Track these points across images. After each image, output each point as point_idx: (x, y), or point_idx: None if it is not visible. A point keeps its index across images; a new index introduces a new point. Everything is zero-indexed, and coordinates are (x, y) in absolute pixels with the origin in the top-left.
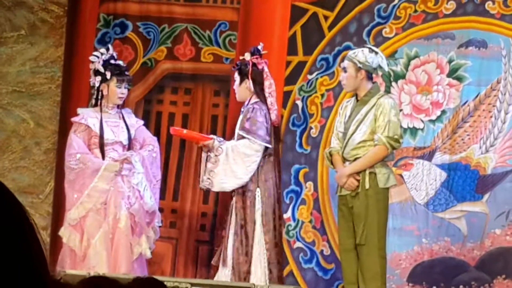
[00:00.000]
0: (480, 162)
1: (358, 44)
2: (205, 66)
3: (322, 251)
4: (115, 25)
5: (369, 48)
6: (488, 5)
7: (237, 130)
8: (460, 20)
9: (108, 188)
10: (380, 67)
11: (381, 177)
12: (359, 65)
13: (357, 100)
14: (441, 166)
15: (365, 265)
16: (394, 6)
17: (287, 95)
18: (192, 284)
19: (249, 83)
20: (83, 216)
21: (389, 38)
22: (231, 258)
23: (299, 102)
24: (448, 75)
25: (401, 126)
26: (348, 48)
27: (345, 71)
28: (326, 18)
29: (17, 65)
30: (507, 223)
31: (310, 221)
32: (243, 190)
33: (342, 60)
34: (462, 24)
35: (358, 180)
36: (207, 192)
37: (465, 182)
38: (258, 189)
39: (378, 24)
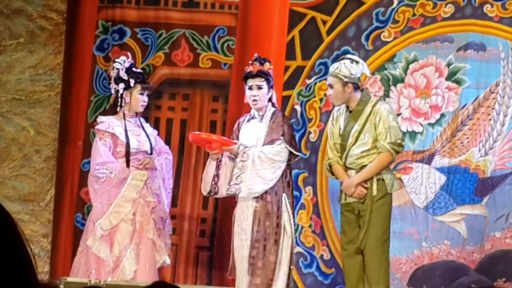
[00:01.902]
0: (479, 165)
1: (357, 48)
2: (203, 71)
3: (322, 255)
4: (114, 31)
5: (350, 59)
6: (487, 8)
7: (269, 135)
8: (459, 24)
9: (137, 197)
10: (363, 73)
11: (388, 182)
12: (345, 79)
13: (350, 111)
14: (440, 170)
15: (369, 269)
16: (392, 10)
17: (285, 100)
18: None
19: (272, 92)
20: (114, 226)
21: (387, 42)
22: (259, 266)
23: (297, 107)
24: (447, 79)
25: (400, 129)
26: (346, 52)
27: (331, 87)
28: (324, 22)
29: (16, 73)
30: (507, 225)
31: (310, 226)
32: (268, 195)
33: None
34: (460, 28)
35: (366, 188)
36: (206, 197)
37: (464, 185)
38: (284, 194)
39: (377, 28)
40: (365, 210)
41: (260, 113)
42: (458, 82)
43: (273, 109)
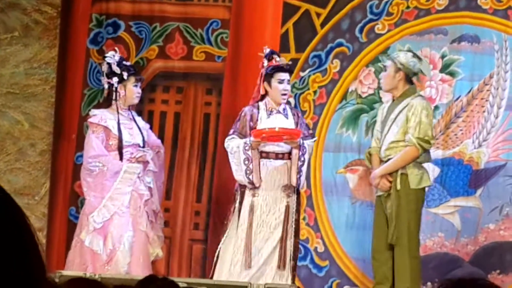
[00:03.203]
0: (473, 157)
1: (351, 40)
2: (197, 64)
3: (316, 248)
4: (108, 24)
5: (413, 53)
6: (481, 0)
7: (302, 131)
8: (453, 16)
9: (130, 190)
10: (421, 72)
11: (413, 178)
12: (399, 65)
13: (393, 101)
14: (434, 162)
15: (397, 265)
16: (386, 2)
17: None
18: (188, 283)
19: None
20: (108, 219)
21: (381, 35)
22: (289, 259)
23: (291, 100)
24: (441, 71)
25: (432, 127)
26: (340, 45)
27: (385, 70)
28: (318, 15)
29: (11, 67)
30: (501, 217)
31: (304, 218)
32: (297, 189)
33: (335, 57)
34: (454, 20)
35: (390, 181)
36: (200, 190)
37: (458, 177)
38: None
39: (371, 20)
40: (391, 206)
41: (281, 108)
42: (452, 74)
43: (286, 105)
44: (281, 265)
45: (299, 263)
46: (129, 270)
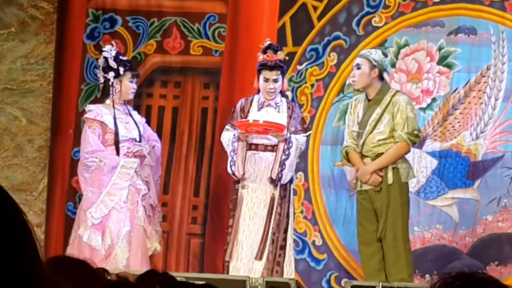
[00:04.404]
0: (471, 148)
1: (348, 33)
2: (195, 59)
3: (314, 241)
4: (104, 20)
5: (381, 51)
6: None
7: (292, 125)
8: (449, 8)
9: (127, 185)
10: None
11: (403, 171)
12: (374, 63)
13: (369, 100)
14: (432, 154)
15: (391, 258)
16: None
17: None
18: (187, 278)
19: (285, 81)
20: (106, 215)
21: (378, 27)
22: (267, 251)
23: (289, 93)
24: (438, 63)
25: (417, 120)
26: (337, 38)
27: (358, 68)
28: (315, 8)
29: (8, 63)
30: (499, 209)
31: (302, 212)
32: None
33: (332, 50)
34: (451, 12)
35: (381, 176)
36: (197, 185)
37: (456, 169)
38: (292, 184)
39: (368, 13)
40: (381, 200)
41: (275, 102)
42: (449, 66)
43: (283, 98)
44: (258, 256)
45: (297, 257)
46: (128, 265)
